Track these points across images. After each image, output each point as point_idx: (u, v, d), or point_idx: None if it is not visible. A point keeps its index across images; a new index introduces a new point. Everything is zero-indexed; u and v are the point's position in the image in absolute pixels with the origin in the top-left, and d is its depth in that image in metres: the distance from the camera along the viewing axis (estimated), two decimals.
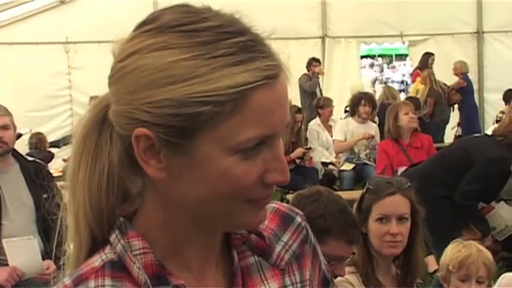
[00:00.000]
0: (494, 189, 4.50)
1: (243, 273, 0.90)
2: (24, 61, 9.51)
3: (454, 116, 10.14)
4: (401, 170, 5.39)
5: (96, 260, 0.84)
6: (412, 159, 5.66)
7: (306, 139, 7.79)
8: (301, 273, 0.97)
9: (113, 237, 0.85)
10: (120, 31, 0.85)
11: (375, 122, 7.61)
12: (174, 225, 0.84)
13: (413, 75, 10.79)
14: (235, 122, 0.76)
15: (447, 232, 3.75)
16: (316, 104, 8.36)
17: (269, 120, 0.78)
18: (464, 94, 9.94)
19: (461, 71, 10.00)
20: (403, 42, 11.53)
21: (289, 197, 5.72)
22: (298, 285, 0.95)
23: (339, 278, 2.17)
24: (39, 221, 3.57)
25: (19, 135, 7.25)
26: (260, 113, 0.77)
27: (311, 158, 7.37)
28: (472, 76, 10.34)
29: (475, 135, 6.51)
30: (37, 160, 3.95)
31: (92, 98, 6.94)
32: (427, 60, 10.13)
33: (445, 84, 9.78)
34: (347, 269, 2.24)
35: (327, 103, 8.21)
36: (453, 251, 2.66)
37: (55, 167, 6.92)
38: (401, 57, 19.53)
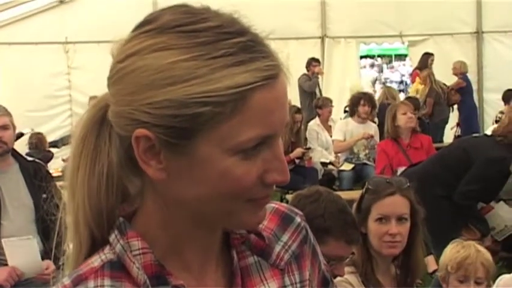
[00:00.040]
0: (494, 189, 4.50)
1: (242, 273, 0.90)
2: (23, 61, 9.49)
3: (454, 116, 10.13)
4: (400, 170, 5.38)
5: (96, 260, 0.84)
6: (411, 159, 5.65)
7: (306, 139, 7.77)
8: (300, 273, 0.97)
9: (112, 238, 0.85)
10: (120, 31, 0.85)
11: (375, 122, 7.61)
12: (173, 225, 0.84)
13: (413, 76, 10.78)
14: (236, 123, 0.76)
15: (446, 232, 3.75)
16: (315, 104, 8.36)
17: (269, 120, 0.78)
18: (464, 94, 9.94)
19: (460, 71, 10.00)
20: (403, 43, 11.51)
21: (289, 197, 5.72)
22: (298, 285, 0.95)
23: (338, 278, 2.17)
24: (38, 221, 3.57)
25: (21, 135, 7.25)
26: (260, 113, 0.77)
27: (310, 158, 7.36)
28: (472, 76, 10.34)
29: (475, 135, 6.51)
30: (36, 160, 3.95)
31: (91, 98, 6.92)
32: (426, 60, 10.13)
33: (444, 84, 9.77)
34: (346, 269, 2.24)
35: (327, 103, 8.21)
36: (452, 251, 2.66)
37: (54, 167, 6.91)
38: (401, 57, 19.49)
